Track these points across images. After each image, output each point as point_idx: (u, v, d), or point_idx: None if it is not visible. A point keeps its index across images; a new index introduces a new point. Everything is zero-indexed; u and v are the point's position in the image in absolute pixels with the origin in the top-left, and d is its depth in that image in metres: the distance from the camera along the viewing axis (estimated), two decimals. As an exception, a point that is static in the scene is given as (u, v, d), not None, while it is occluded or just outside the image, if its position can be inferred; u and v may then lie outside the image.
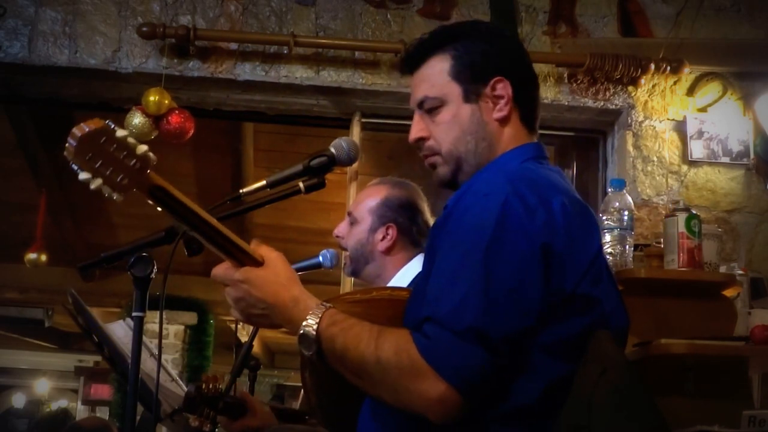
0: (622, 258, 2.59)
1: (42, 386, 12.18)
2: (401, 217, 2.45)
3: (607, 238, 2.58)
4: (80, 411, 9.80)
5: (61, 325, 9.56)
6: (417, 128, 1.64)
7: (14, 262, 6.52)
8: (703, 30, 3.68)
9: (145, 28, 3.40)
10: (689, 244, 2.57)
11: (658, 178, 3.58)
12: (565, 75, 3.60)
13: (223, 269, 1.45)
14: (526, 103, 1.63)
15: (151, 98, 3.31)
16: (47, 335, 10.24)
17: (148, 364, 2.12)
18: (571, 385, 1.38)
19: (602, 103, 3.61)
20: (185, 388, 2.21)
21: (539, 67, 3.52)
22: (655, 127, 3.61)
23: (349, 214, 2.54)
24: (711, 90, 3.63)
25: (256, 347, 4.74)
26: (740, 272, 2.92)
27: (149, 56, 3.48)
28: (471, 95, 1.60)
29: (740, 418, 2.20)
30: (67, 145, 1.18)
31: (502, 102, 1.60)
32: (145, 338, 1.81)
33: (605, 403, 1.34)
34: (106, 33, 3.48)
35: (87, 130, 1.17)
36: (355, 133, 3.66)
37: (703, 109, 3.61)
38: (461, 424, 1.36)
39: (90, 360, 10.09)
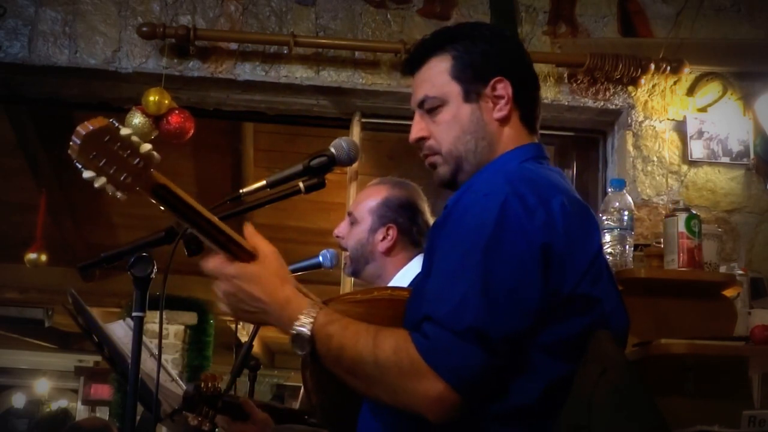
0: (622, 258, 2.59)
1: (42, 386, 12.18)
2: (401, 218, 2.45)
3: (607, 238, 2.58)
4: (80, 411, 9.80)
5: (61, 325, 9.56)
6: (417, 128, 1.64)
7: (14, 262, 6.52)
8: (703, 30, 3.68)
9: (145, 28, 3.40)
10: (689, 244, 2.57)
11: (658, 178, 3.58)
12: (565, 75, 3.60)
13: (215, 262, 1.43)
14: (526, 103, 1.63)
15: (151, 98, 3.31)
16: (47, 335, 10.24)
17: (148, 364, 2.11)
18: (571, 385, 1.38)
19: (602, 103, 3.61)
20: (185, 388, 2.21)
21: (539, 67, 3.52)
22: (655, 127, 3.61)
23: (350, 214, 2.54)
24: (711, 90, 3.63)
25: (256, 347, 4.74)
26: (740, 272, 2.92)
27: (149, 56, 3.48)
28: (471, 95, 1.60)
29: (740, 418, 2.20)
30: (71, 143, 1.18)
31: (502, 102, 1.60)
32: (145, 338, 1.81)
33: (605, 403, 1.34)
34: (106, 33, 3.48)
35: (91, 128, 1.18)
36: (355, 133, 3.66)
37: (703, 109, 3.61)
38: (462, 423, 1.36)
39: (90, 360, 10.09)
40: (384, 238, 2.43)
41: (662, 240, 2.72)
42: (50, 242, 6.12)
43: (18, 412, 12.28)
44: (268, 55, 3.52)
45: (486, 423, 1.38)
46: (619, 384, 1.36)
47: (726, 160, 3.57)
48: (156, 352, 2.23)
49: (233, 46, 3.51)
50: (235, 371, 2.52)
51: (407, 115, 1.72)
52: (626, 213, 2.60)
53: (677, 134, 3.61)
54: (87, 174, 1.19)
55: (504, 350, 1.33)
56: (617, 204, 2.60)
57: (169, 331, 6.84)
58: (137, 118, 3.33)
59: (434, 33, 1.68)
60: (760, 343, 2.40)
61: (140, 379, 1.82)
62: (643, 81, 3.56)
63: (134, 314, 1.75)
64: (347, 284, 3.44)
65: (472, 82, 1.60)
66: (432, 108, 1.62)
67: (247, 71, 3.51)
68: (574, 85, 3.59)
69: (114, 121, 1.20)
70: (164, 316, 2.06)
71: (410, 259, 2.43)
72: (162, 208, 1.30)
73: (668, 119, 3.62)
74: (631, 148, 3.59)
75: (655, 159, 3.59)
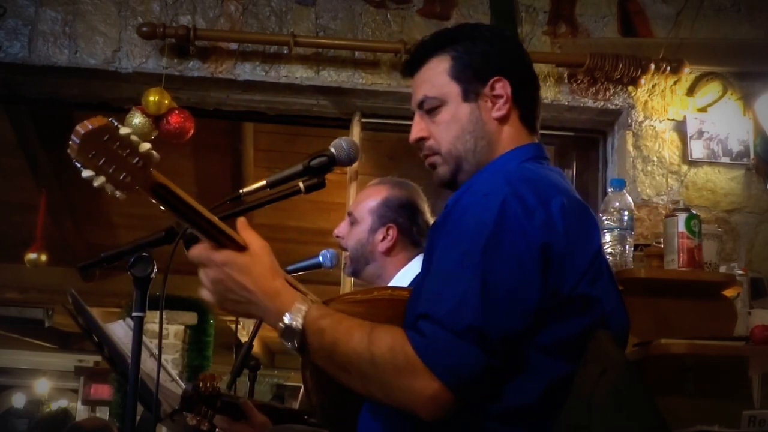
0: (622, 258, 2.59)
1: (42, 386, 12.19)
2: (401, 218, 2.45)
3: (607, 238, 2.58)
4: (80, 411, 9.80)
5: (61, 325, 9.56)
6: (417, 128, 1.65)
7: (14, 262, 6.52)
8: (703, 30, 3.68)
9: (145, 28, 3.40)
10: (689, 244, 2.57)
11: (658, 178, 3.58)
12: (565, 75, 3.60)
13: (202, 248, 1.41)
14: (525, 103, 1.63)
15: (151, 98, 3.31)
16: (47, 335, 10.24)
17: (148, 364, 2.11)
18: (571, 385, 1.38)
19: (602, 103, 3.61)
20: (185, 388, 2.20)
21: (539, 67, 3.52)
22: (655, 127, 3.61)
23: (350, 214, 2.54)
24: (711, 90, 3.63)
25: (256, 347, 4.74)
26: (740, 272, 2.92)
27: (149, 56, 3.48)
28: (470, 94, 1.60)
29: (740, 418, 2.20)
30: (70, 142, 1.18)
31: (501, 101, 1.60)
32: (145, 338, 1.81)
33: (605, 403, 1.34)
34: (106, 33, 3.48)
35: (90, 127, 1.18)
36: (355, 133, 3.66)
37: (703, 109, 3.61)
38: (462, 423, 1.37)
39: (90, 360, 10.09)
40: (384, 238, 2.43)
41: (662, 240, 2.72)
42: (50, 242, 6.12)
43: (18, 412, 12.28)
44: (268, 55, 3.52)
45: (486, 423, 1.38)
46: (619, 384, 1.36)
47: (726, 160, 3.57)
48: (156, 352, 2.23)
49: (233, 46, 3.51)
50: (235, 371, 2.53)
51: (407, 115, 1.72)
52: (626, 213, 2.60)
53: (677, 134, 3.61)
54: (86, 173, 1.19)
55: (502, 350, 1.33)
56: (617, 204, 2.60)
57: (169, 331, 6.83)
58: (137, 118, 3.33)
59: (434, 34, 1.69)
60: (760, 343, 2.40)
61: (140, 379, 1.82)
62: (643, 81, 3.56)
63: (134, 314, 1.75)
64: (347, 284, 3.44)
65: (471, 81, 1.60)
66: (431, 108, 1.62)
67: (247, 71, 3.51)
68: (574, 85, 3.60)
69: (113, 120, 1.20)
70: (164, 316, 2.06)
71: (410, 259, 2.43)
72: (162, 207, 1.30)
73: (668, 119, 3.62)
74: (631, 148, 3.59)
75: (655, 159, 3.59)
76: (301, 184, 1.71)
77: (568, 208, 1.43)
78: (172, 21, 3.48)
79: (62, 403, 11.89)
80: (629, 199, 2.65)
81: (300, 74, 3.52)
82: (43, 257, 5.98)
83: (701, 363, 2.47)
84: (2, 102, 4.35)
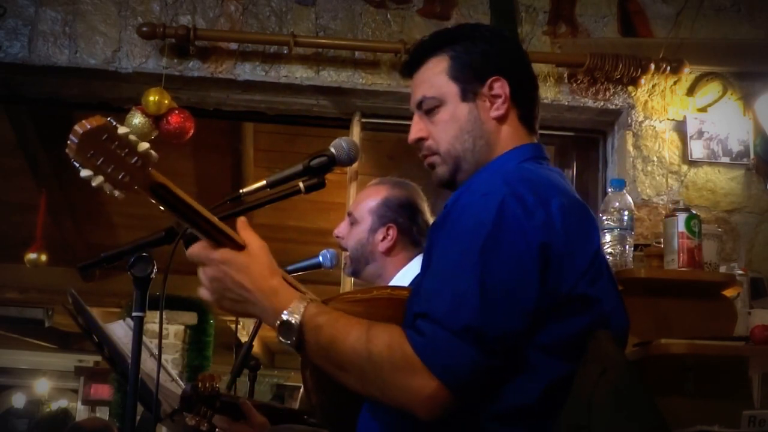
0: (622, 258, 2.59)
1: (42, 386, 12.19)
2: (401, 218, 2.45)
3: (607, 238, 2.58)
4: (80, 411, 9.80)
5: (61, 325, 9.56)
6: (416, 129, 1.65)
7: (14, 262, 6.52)
8: (703, 30, 3.68)
9: (145, 28, 3.40)
10: (689, 244, 2.57)
11: (658, 178, 3.58)
12: (565, 75, 3.60)
13: (200, 247, 1.41)
14: (524, 102, 1.64)
15: (151, 98, 3.31)
16: (47, 335, 10.24)
17: (148, 364, 2.11)
18: (571, 385, 1.38)
19: (602, 103, 3.61)
20: (185, 388, 2.20)
21: (539, 67, 3.52)
22: (655, 127, 3.61)
23: (349, 214, 2.54)
24: (711, 90, 3.63)
25: (256, 347, 4.74)
26: (740, 272, 2.92)
27: (149, 56, 3.48)
28: (468, 94, 1.61)
29: (740, 418, 2.20)
30: (68, 142, 1.18)
31: (500, 101, 1.60)
32: (145, 338, 1.81)
33: (605, 403, 1.34)
34: (106, 33, 3.48)
35: (89, 127, 1.18)
36: (355, 133, 3.66)
37: (703, 109, 3.61)
38: (462, 423, 1.37)
39: (90, 360, 10.09)
40: (384, 238, 2.43)
41: (662, 240, 2.72)
42: (50, 242, 6.12)
43: (18, 412, 12.28)
44: (268, 55, 3.52)
45: (486, 423, 1.38)
46: (619, 384, 1.36)
47: (726, 160, 3.57)
48: (156, 352, 2.22)
49: (233, 46, 3.51)
50: (235, 371, 2.53)
51: (407, 115, 1.72)
52: (626, 213, 2.60)
53: (677, 134, 3.61)
54: (85, 173, 1.19)
55: (500, 350, 1.33)
56: (617, 204, 2.60)
57: (169, 331, 6.84)
58: (137, 118, 3.33)
59: (432, 34, 1.69)
60: (760, 343, 2.40)
61: (140, 379, 1.82)
62: (643, 81, 3.56)
63: (134, 314, 1.75)
64: (347, 284, 3.44)
65: (470, 81, 1.61)
66: (430, 108, 1.63)
67: (247, 71, 3.51)
68: (574, 85, 3.59)
69: (112, 120, 1.20)
70: (164, 316, 2.06)
71: (410, 259, 2.43)
72: (161, 207, 1.30)
73: (668, 119, 3.62)
74: (631, 148, 3.59)
75: (655, 159, 3.59)
76: (301, 184, 1.71)
77: (568, 208, 1.43)
78: (172, 21, 3.48)
79: (62, 403, 11.89)
80: (629, 199, 2.65)
81: (300, 74, 3.52)
82: (43, 257, 5.98)
83: (701, 363, 2.47)
84: (2, 102, 4.35)
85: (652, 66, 3.53)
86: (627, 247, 2.60)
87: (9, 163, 5.82)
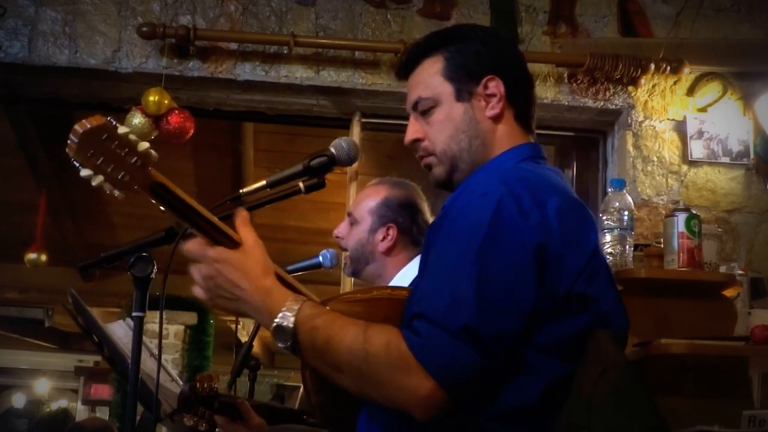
0: (622, 258, 2.59)
1: (42, 386, 12.19)
2: (401, 217, 2.45)
3: (607, 238, 2.58)
4: (80, 411, 9.80)
5: (61, 325, 9.57)
6: (412, 130, 1.66)
7: (14, 262, 6.52)
8: (703, 30, 3.68)
9: (145, 28, 3.40)
10: (689, 244, 2.57)
11: (658, 178, 3.58)
12: (565, 75, 3.60)
13: (196, 243, 1.40)
14: (520, 102, 1.63)
15: (151, 98, 3.31)
16: (47, 335, 10.25)
17: (148, 364, 2.11)
18: (571, 385, 1.38)
19: (602, 103, 3.61)
20: (185, 388, 2.20)
21: (539, 67, 3.52)
22: (655, 127, 3.61)
23: (349, 214, 2.54)
24: (711, 90, 3.63)
25: (256, 347, 4.74)
26: (740, 272, 2.92)
27: (149, 56, 3.48)
28: (463, 94, 1.61)
29: (740, 418, 2.20)
30: (68, 141, 1.18)
31: (495, 100, 1.60)
32: (145, 338, 1.81)
33: (605, 403, 1.34)
34: (106, 33, 3.48)
35: (89, 126, 1.18)
36: (355, 133, 3.66)
37: (703, 109, 3.61)
38: (462, 423, 1.36)
39: (90, 360, 10.09)
40: (384, 238, 2.43)
41: (662, 240, 2.72)
42: (50, 242, 6.12)
43: (18, 412, 12.29)
44: (268, 55, 3.52)
45: (486, 423, 1.38)
46: (619, 384, 1.36)
47: (726, 160, 3.57)
48: (156, 352, 2.22)
49: (233, 46, 3.51)
50: (235, 371, 2.53)
51: (407, 115, 1.72)
52: (626, 213, 2.60)
53: (677, 134, 3.61)
54: (84, 172, 1.19)
55: (497, 351, 1.32)
56: (617, 204, 2.60)
57: (169, 331, 6.84)
58: (137, 118, 3.33)
59: (427, 36, 1.70)
60: (760, 343, 2.40)
61: (140, 379, 1.82)
62: (643, 81, 3.56)
63: (134, 314, 1.75)
64: (347, 284, 3.43)
65: (465, 81, 1.61)
66: (426, 109, 1.63)
67: (247, 71, 3.51)
68: (574, 85, 3.59)
69: (112, 120, 1.20)
70: (164, 316, 2.06)
71: (410, 259, 2.43)
72: (161, 207, 1.30)
73: (668, 119, 3.62)
74: (631, 148, 3.59)
75: (655, 159, 3.59)
76: (301, 184, 1.71)
77: (565, 208, 1.43)
78: (172, 21, 3.48)
79: (62, 403, 11.89)
80: (629, 199, 2.65)
81: (300, 74, 3.52)
82: (43, 257, 5.99)
83: (701, 363, 2.47)
84: (2, 102, 4.35)
85: (652, 66, 3.53)
86: (627, 247, 2.60)
87: (9, 163, 5.82)
